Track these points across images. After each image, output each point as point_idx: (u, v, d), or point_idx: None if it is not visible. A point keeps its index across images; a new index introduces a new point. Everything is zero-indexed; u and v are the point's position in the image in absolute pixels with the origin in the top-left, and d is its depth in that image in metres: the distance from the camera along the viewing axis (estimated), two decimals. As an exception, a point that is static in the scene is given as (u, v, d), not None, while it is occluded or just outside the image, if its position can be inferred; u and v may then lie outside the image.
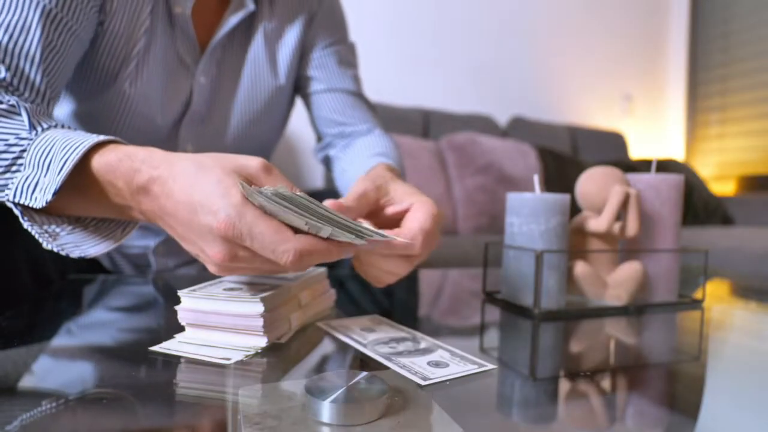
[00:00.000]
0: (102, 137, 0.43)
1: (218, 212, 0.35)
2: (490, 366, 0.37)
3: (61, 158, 0.42)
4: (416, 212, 0.46)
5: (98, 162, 0.42)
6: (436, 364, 0.37)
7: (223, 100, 0.75)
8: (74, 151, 0.41)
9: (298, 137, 2.09)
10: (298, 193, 0.36)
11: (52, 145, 0.43)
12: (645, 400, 0.35)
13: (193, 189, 0.37)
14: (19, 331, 0.46)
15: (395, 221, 0.49)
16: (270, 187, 0.36)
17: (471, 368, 0.37)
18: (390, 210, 0.49)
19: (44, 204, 0.42)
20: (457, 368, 0.37)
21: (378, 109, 0.89)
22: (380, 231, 0.41)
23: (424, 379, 0.34)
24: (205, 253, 0.38)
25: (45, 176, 0.43)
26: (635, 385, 0.38)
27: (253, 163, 0.39)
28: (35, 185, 0.43)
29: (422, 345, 0.42)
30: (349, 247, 0.39)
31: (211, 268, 0.39)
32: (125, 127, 0.68)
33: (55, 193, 0.41)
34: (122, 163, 0.41)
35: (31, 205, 0.43)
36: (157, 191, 0.39)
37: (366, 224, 0.41)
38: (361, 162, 0.73)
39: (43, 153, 0.43)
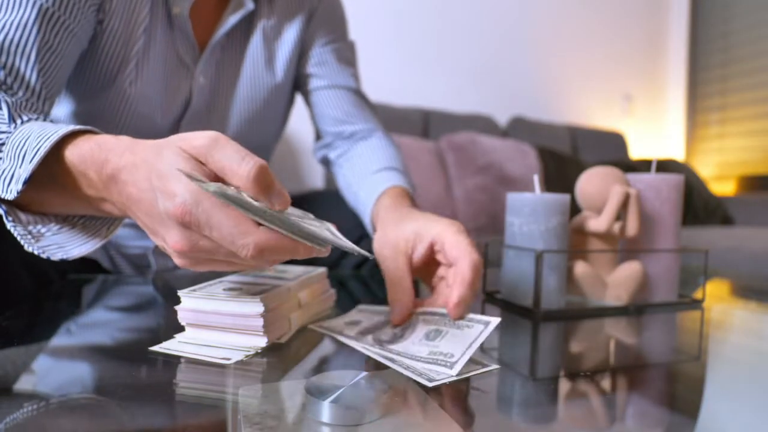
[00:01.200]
0: (76, 127, 0.42)
1: (175, 198, 0.33)
2: (492, 319, 0.39)
3: (34, 148, 0.41)
4: (463, 268, 0.44)
5: (71, 152, 0.41)
6: (436, 332, 0.39)
7: (222, 100, 0.75)
8: (47, 140, 0.41)
9: (298, 137, 2.09)
10: (249, 180, 0.33)
11: (28, 137, 0.42)
12: (645, 400, 0.35)
13: (152, 174, 0.35)
14: (19, 331, 0.46)
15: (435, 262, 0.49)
16: (213, 184, 0.32)
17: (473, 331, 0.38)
18: (443, 272, 0.49)
19: (16, 195, 0.41)
20: (455, 330, 0.38)
21: (378, 109, 0.89)
22: (339, 237, 0.38)
23: (430, 380, 0.34)
24: (166, 243, 0.36)
25: (20, 167, 0.42)
26: (635, 385, 0.38)
27: (199, 138, 0.35)
28: (11, 177, 0.42)
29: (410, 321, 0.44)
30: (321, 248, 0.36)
31: (175, 259, 0.37)
32: (125, 127, 0.68)
33: (25, 182, 0.40)
34: (93, 152, 0.40)
35: (6, 198, 0.42)
36: (124, 179, 0.38)
37: (330, 226, 0.40)
38: (367, 179, 0.73)
39: (18, 145, 0.42)
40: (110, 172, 0.39)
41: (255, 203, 0.33)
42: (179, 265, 0.37)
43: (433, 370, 0.35)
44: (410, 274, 0.48)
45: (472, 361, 0.38)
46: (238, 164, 0.33)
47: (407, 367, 0.36)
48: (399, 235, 0.50)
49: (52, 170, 0.42)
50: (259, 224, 0.33)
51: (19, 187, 0.41)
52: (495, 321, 0.39)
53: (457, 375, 0.35)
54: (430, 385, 0.33)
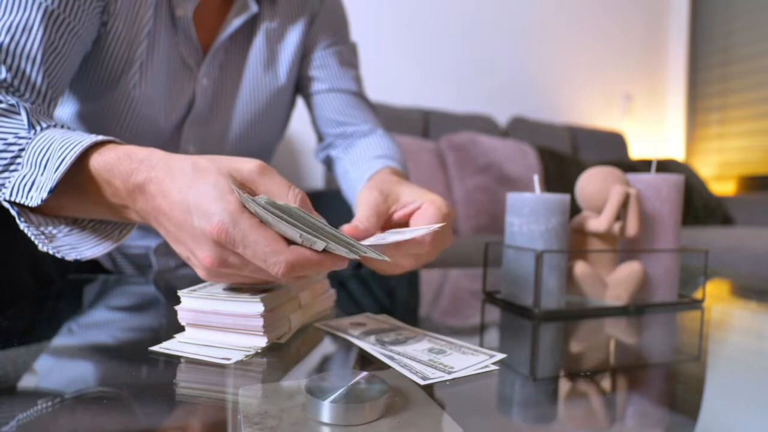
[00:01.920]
0: (101, 137, 0.43)
1: (212, 216, 0.35)
2: (500, 355, 0.38)
3: (59, 157, 0.41)
4: (426, 210, 0.46)
5: (97, 161, 0.42)
6: (441, 351, 0.39)
7: (225, 101, 0.75)
8: (72, 149, 0.41)
9: (299, 138, 2.09)
10: (294, 205, 0.36)
11: (50, 144, 0.43)
12: (645, 400, 0.35)
13: (189, 190, 0.37)
14: (19, 331, 0.46)
15: (407, 224, 0.49)
16: (265, 196, 0.36)
17: (471, 357, 0.38)
18: (400, 213, 0.49)
19: (40, 202, 0.42)
20: (458, 355, 0.38)
21: (378, 109, 0.89)
22: (375, 245, 0.40)
23: (424, 378, 0.34)
24: (196, 256, 0.38)
25: (42, 175, 0.42)
26: (635, 385, 0.38)
27: (248, 165, 0.38)
28: (31, 184, 0.43)
29: (416, 337, 0.43)
30: (343, 260, 0.38)
31: (200, 272, 0.39)
32: (129, 128, 0.68)
33: (50, 191, 0.41)
34: (121, 162, 0.41)
35: (27, 204, 0.43)
36: (153, 191, 0.39)
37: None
38: (363, 164, 0.73)
39: (40, 152, 0.43)
40: (139, 182, 0.40)
41: (305, 214, 0.36)
42: (202, 277, 0.39)
43: (430, 371, 0.35)
44: (381, 203, 0.48)
45: (477, 351, 0.39)
46: (287, 192, 0.38)
47: (404, 365, 0.36)
48: (392, 189, 0.50)
49: (74, 179, 0.42)
50: (290, 243, 0.36)
51: (44, 195, 0.41)
52: (500, 356, 0.39)
53: (471, 367, 0.36)
54: (423, 383, 0.33)
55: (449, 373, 0.35)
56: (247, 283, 0.42)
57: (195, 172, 0.37)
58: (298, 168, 2.14)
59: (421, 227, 0.43)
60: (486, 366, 0.37)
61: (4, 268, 0.59)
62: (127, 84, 0.65)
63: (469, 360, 0.38)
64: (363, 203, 0.47)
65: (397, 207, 0.49)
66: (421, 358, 0.38)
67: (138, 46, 0.64)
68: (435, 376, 0.34)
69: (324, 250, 0.36)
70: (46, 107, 0.55)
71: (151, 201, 0.39)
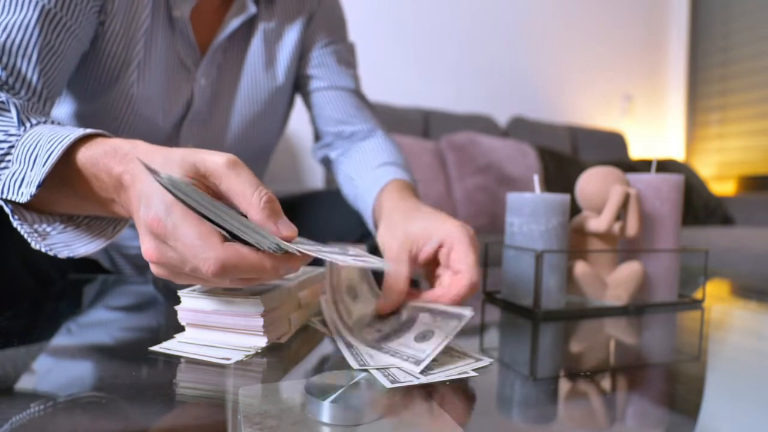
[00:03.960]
0: (88, 130, 0.43)
1: (151, 206, 0.34)
2: (486, 361, 0.37)
3: (47, 151, 0.41)
4: (458, 282, 0.44)
5: (84, 155, 0.41)
6: (423, 337, 0.38)
7: (223, 101, 0.75)
8: (59, 143, 0.41)
9: (298, 137, 2.09)
10: (259, 205, 0.34)
11: (39, 140, 0.43)
12: (645, 400, 0.35)
13: (144, 182, 0.35)
14: (19, 331, 0.46)
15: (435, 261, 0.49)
16: (174, 176, 0.32)
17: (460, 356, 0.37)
18: (424, 256, 0.48)
19: (29, 198, 0.41)
20: (441, 335, 0.37)
21: (378, 109, 0.89)
22: (304, 244, 0.36)
23: (393, 382, 0.33)
24: (143, 250, 0.36)
25: (31, 170, 0.42)
26: (635, 385, 0.38)
27: (216, 158, 0.36)
28: (21, 180, 0.42)
29: (404, 316, 0.42)
30: (293, 261, 0.35)
31: (152, 268, 0.37)
32: (127, 128, 0.68)
33: (39, 186, 0.41)
34: (107, 156, 0.40)
35: (18, 201, 0.43)
36: (126, 182, 0.38)
37: (352, 249, 0.41)
38: (369, 174, 0.72)
39: (29, 148, 0.43)
40: (117, 175, 0.39)
41: (207, 198, 0.32)
42: (155, 274, 0.37)
43: (401, 374, 0.34)
44: (410, 265, 0.47)
45: (464, 355, 0.38)
46: (252, 191, 0.34)
47: (380, 368, 0.35)
48: (407, 230, 0.49)
49: (63, 173, 0.42)
50: (226, 241, 0.33)
51: (33, 190, 0.41)
52: (486, 361, 0.38)
53: (446, 372, 0.34)
54: (390, 386, 0.32)
55: (417, 363, 0.34)
56: (197, 284, 0.40)
57: (164, 163, 0.36)
58: (298, 168, 2.14)
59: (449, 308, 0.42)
60: (465, 372, 0.36)
61: (4, 269, 0.59)
62: (125, 84, 0.65)
63: (451, 364, 0.37)
64: (392, 261, 0.47)
65: (420, 254, 0.48)
66: (403, 352, 0.37)
67: (135, 46, 0.64)
68: (405, 379, 0.33)
69: (251, 245, 0.33)
70: (42, 106, 0.55)
71: (127, 193, 0.38)
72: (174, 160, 0.36)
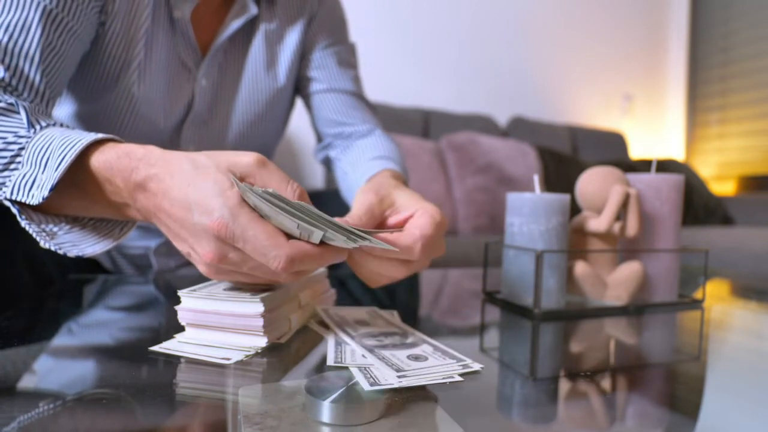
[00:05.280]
0: (101, 135, 0.43)
1: (213, 212, 0.35)
2: (476, 366, 0.36)
3: (59, 155, 0.42)
4: (419, 218, 0.44)
5: (97, 160, 0.42)
6: (416, 358, 0.37)
7: (224, 102, 0.75)
8: (72, 148, 0.41)
9: (298, 138, 2.09)
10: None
11: (50, 143, 0.43)
12: (645, 400, 0.35)
13: (189, 188, 0.37)
14: (19, 331, 0.46)
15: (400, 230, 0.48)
16: (263, 188, 0.36)
17: (450, 362, 0.36)
18: (393, 220, 0.48)
19: (41, 200, 0.42)
20: (435, 362, 0.36)
21: (378, 109, 0.89)
22: (374, 234, 0.39)
23: (373, 384, 0.31)
24: (197, 252, 0.38)
25: (42, 173, 0.43)
26: (635, 385, 0.38)
27: (246, 159, 0.38)
28: (32, 182, 0.43)
29: (409, 339, 0.42)
30: (342, 252, 0.38)
31: (201, 268, 0.39)
32: (128, 129, 0.68)
33: (52, 189, 0.41)
34: (121, 160, 0.41)
35: (27, 203, 0.43)
36: (153, 188, 0.39)
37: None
38: (362, 165, 0.73)
39: (40, 150, 0.43)
40: (139, 180, 0.40)
41: (302, 204, 0.36)
42: (204, 273, 0.39)
43: (382, 377, 0.33)
44: (375, 205, 0.46)
45: (453, 356, 0.37)
46: (285, 185, 0.39)
47: (383, 357, 0.35)
48: (389, 193, 0.48)
49: (74, 177, 0.43)
50: (289, 238, 0.36)
51: (45, 193, 0.41)
52: (476, 367, 0.36)
53: (430, 376, 0.33)
54: (369, 388, 0.30)
55: (398, 370, 0.33)
56: (248, 282, 0.42)
57: (194, 169, 0.38)
58: (298, 168, 2.14)
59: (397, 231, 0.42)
60: (450, 377, 0.34)
61: (4, 268, 0.59)
62: (126, 84, 0.65)
63: (439, 368, 0.36)
64: (358, 204, 0.47)
65: (391, 212, 0.48)
66: (389, 360, 0.36)
67: (136, 46, 0.64)
68: (385, 382, 0.31)
69: (323, 242, 0.36)
70: (44, 106, 0.55)
71: (152, 199, 0.40)
72: (208, 168, 0.37)
